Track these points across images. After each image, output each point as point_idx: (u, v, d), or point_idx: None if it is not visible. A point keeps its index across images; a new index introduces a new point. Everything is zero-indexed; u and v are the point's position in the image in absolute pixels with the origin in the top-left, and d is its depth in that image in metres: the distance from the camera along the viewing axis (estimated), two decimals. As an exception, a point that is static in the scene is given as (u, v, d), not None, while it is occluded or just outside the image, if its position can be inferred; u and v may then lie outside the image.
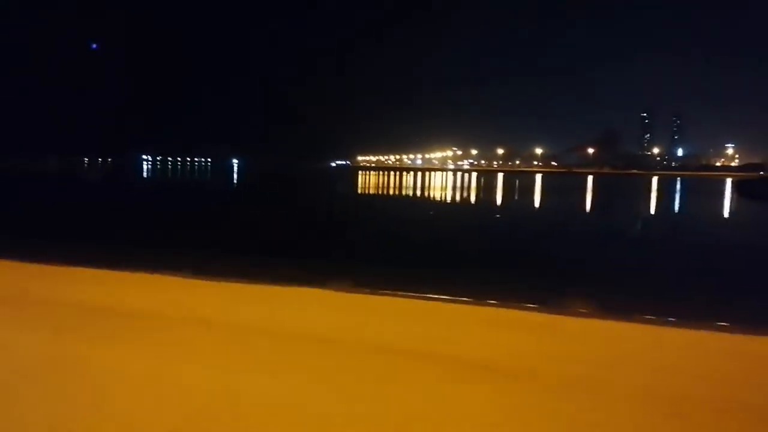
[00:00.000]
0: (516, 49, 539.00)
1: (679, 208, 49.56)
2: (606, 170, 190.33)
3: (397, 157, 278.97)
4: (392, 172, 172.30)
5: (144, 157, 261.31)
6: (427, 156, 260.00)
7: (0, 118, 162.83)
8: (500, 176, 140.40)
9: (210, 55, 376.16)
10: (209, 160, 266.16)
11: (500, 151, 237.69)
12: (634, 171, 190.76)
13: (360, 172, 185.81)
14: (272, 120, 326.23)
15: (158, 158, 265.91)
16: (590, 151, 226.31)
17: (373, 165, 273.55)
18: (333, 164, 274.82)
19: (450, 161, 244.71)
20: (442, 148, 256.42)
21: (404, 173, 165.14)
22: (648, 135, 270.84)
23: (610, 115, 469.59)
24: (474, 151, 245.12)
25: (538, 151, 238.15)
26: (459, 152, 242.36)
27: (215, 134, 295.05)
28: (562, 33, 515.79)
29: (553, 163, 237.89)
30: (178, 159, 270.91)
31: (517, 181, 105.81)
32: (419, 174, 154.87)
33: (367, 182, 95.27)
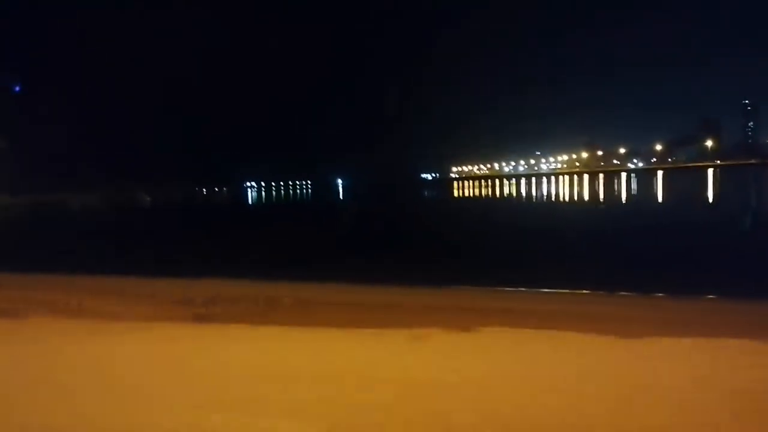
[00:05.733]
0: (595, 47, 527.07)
1: None
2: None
3: (489, 165, 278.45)
4: (508, 181, 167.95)
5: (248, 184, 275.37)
6: (532, 162, 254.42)
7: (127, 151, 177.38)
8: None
9: (298, 72, 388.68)
10: (309, 181, 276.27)
11: (621, 151, 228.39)
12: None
13: (456, 183, 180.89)
14: (361, 135, 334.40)
15: (262, 184, 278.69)
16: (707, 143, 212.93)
17: (464, 175, 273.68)
18: (427, 176, 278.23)
19: (562, 164, 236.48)
20: (527, 155, 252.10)
21: (509, 181, 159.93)
22: (751, 123, 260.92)
23: (700, 107, 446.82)
24: (582, 154, 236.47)
25: (658, 147, 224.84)
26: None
27: (310, 156, 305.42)
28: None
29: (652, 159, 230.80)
30: (281, 183, 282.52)
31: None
32: (527, 181, 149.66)
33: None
